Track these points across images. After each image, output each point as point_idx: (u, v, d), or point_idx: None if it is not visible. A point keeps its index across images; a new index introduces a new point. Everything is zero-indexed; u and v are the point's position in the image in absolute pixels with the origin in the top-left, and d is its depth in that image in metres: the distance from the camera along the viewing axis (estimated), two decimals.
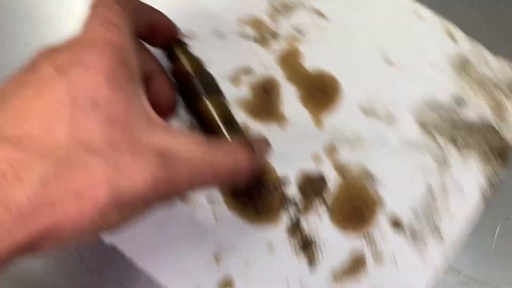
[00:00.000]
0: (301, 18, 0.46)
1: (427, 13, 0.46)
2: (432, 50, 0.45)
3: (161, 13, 0.38)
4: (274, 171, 0.42)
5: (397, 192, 0.41)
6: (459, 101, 0.43)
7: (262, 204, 0.41)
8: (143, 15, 0.35)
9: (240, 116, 0.43)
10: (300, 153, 0.42)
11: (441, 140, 0.42)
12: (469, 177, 0.41)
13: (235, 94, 0.43)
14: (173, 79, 0.41)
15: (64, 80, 0.26)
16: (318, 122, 0.43)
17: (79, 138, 0.25)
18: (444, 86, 0.44)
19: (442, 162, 0.42)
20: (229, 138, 0.38)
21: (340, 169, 0.42)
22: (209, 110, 0.39)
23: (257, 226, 0.41)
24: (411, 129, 0.43)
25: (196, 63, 0.41)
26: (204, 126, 0.40)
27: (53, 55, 0.27)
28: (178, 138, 0.28)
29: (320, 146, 0.42)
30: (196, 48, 0.44)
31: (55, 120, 0.25)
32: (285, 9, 0.47)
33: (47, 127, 0.25)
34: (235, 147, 0.32)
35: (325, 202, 0.41)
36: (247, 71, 0.44)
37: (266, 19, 0.46)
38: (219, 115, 0.39)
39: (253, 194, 0.41)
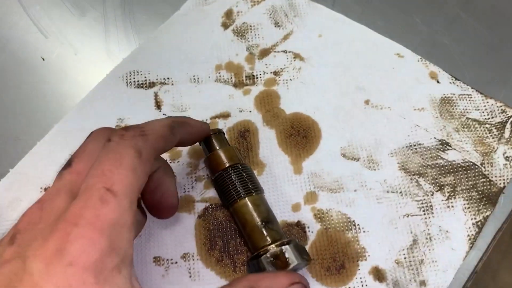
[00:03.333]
0: (278, 60, 0.46)
1: (408, 53, 0.46)
2: (414, 92, 0.45)
3: (191, 122, 0.37)
4: None
5: (380, 241, 0.40)
6: (444, 145, 0.42)
7: (239, 259, 0.39)
8: (171, 138, 0.33)
9: None
10: (278, 200, 0.41)
11: (426, 186, 0.41)
12: (456, 224, 0.40)
13: None
14: (207, 168, 0.42)
15: (49, 285, 0.25)
16: (297, 167, 0.42)
17: None
18: (428, 129, 0.43)
19: (428, 210, 0.40)
20: (268, 238, 0.37)
21: (320, 217, 0.40)
22: (248, 209, 0.38)
23: None
24: (394, 175, 0.42)
25: (232, 152, 0.41)
26: (241, 224, 0.39)
27: (41, 246, 0.26)
28: None
29: (300, 192, 0.41)
30: (177, 93, 0.45)
31: None
32: (262, 54, 0.47)
33: None
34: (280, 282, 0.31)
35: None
36: (224, 115, 0.44)
37: (243, 63, 0.46)
38: (258, 214, 0.38)
39: (230, 249, 0.40)
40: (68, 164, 0.30)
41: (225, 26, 0.48)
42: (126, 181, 0.28)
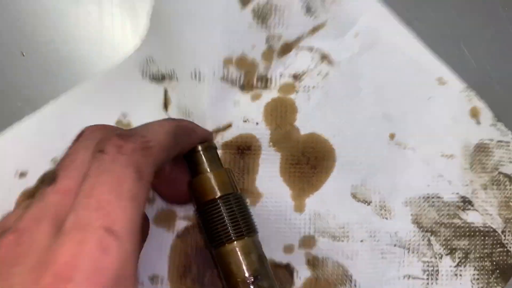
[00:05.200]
0: (300, 60, 0.39)
1: (452, 79, 0.40)
2: (447, 134, 0.39)
3: (196, 129, 0.34)
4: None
5: None
6: (466, 203, 0.38)
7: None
8: (174, 148, 0.29)
9: None
10: (270, 237, 0.36)
11: (436, 247, 0.37)
12: None
13: None
14: (190, 193, 0.35)
15: None
16: (299, 204, 0.37)
17: None
18: (452, 182, 0.38)
19: (433, 275, 0.37)
20: None
21: (314, 265, 0.37)
22: (236, 257, 0.32)
23: None
24: (407, 228, 0.38)
25: (225, 178, 0.34)
26: (224, 273, 0.33)
27: None
28: None
29: (296, 234, 0.37)
30: (181, 92, 0.38)
31: None
32: (284, 49, 0.39)
33: None
34: None
35: None
36: (225, 127, 0.38)
37: (258, 59, 0.39)
38: (248, 266, 0.32)
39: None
40: (52, 178, 0.25)
41: (244, 1, 0.39)
42: (128, 216, 0.23)
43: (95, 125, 0.28)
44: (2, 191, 0.37)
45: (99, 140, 0.25)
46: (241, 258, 0.32)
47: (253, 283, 0.32)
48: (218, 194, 0.33)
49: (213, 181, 0.33)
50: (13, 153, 0.37)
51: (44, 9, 0.41)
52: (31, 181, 0.37)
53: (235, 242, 0.32)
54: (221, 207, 0.33)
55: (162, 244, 0.36)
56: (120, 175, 0.24)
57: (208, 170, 0.34)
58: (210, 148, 0.35)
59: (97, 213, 0.22)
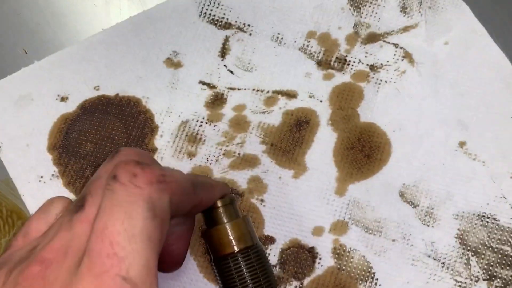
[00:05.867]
0: (383, 53, 0.39)
1: None
2: None
3: (213, 184, 0.32)
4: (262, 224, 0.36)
5: None
6: None
7: None
8: (193, 197, 0.28)
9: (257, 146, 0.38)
10: (302, 215, 0.36)
11: (475, 270, 0.35)
12: None
13: (264, 117, 0.38)
14: (206, 244, 0.34)
15: None
16: (341, 187, 0.36)
17: None
18: None
19: None
20: None
21: (339, 254, 0.35)
22: None
23: None
24: (447, 241, 0.35)
25: (242, 228, 0.32)
26: None
27: None
28: None
29: (330, 216, 0.36)
30: (251, 47, 0.39)
31: None
32: (369, 39, 0.39)
33: None
34: None
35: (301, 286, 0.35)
36: (289, 94, 0.38)
37: (341, 41, 0.39)
38: None
39: None
40: (81, 204, 0.24)
41: None
42: (143, 261, 0.22)
43: (131, 148, 0.27)
44: (41, 111, 0.38)
45: (117, 162, 0.24)
46: None
47: None
48: (236, 248, 0.31)
49: (230, 233, 0.32)
50: (57, 76, 0.39)
51: None
52: (71, 106, 0.38)
53: None
54: (240, 262, 0.31)
55: None
56: (132, 213, 0.22)
57: (225, 221, 0.32)
58: (231, 203, 0.33)
59: (111, 261, 0.21)
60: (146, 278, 0.21)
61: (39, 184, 0.37)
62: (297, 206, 0.36)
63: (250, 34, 0.40)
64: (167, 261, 0.30)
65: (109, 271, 0.21)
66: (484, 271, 0.35)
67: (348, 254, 0.35)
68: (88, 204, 0.23)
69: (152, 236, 0.22)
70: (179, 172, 0.27)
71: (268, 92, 0.38)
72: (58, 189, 0.37)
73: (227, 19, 0.40)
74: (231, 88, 0.39)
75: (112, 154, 0.26)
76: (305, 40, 0.40)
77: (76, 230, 0.23)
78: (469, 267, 0.35)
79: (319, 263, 0.35)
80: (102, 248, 0.21)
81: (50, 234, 0.24)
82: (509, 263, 0.35)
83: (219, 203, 0.32)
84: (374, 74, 0.39)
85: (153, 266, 0.22)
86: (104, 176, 0.24)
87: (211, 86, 0.39)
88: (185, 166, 0.37)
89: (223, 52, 0.40)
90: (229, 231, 0.31)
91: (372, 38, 0.40)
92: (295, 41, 0.40)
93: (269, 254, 0.35)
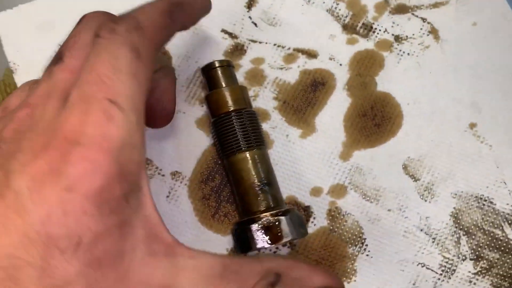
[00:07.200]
0: (410, 25, 0.40)
1: None
2: None
3: (196, 4, 0.33)
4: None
5: (375, 274, 0.36)
6: None
7: (225, 208, 0.37)
8: (171, 27, 0.29)
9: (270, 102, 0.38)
10: (303, 174, 0.37)
11: (463, 249, 0.36)
12: None
13: (281, 73, 0.39)
14: (206, 105, 0.37)
15: (39, 210, 0.21)
16: (346, 153, 0.37)
17: None
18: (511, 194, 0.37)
19: (447, 273, 0.35)
20: (262, 203, 0.33)
21: (333, 216, 0.37)
22: (246, 165, 0.34)
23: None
24: (441, 218, 0.36)
25: (239, 93, 0.36)
26: (235, 180, 0.35)
27: (31, 161, 0.22)
28: (182, 270, 0.24)
29: (330, 179, 0.37)
30: (279, 2, 0.40)
31: (23, 266, 0.21)
32: (398, 9, 0.40)
33: (11, 275, 0.21)
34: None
35: (292, 244, 0.36)
36: (310, 54, 0.39)
37: (370, 7, 0.40)
38: (256, 174, 0.34)
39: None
40: (59, 58, 0.26)
41: None
42: (130, 91, 0.24)
43: (94, 11, 0.28)
44: (61, 40, 0.39)
45: (96, 26, 0.26)
46: (250, 166, 0.34)
47: (260, 189, 0.34)
48: (232, 107, 0.35)
49: (227, 96, 0.35)
50: (81, 7, 0.36)
51: None
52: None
53: (246, 153, 0.35)
54: (234, 119, 0.35)
55: (196, 145, 0.38)
56: (116, 53, 0.24)
57: (224, 85, 0.36)
58: (228, 66, 0.37)
59: (99, 87, 0.23)
60: (133, 107, 0.24)
61: None
62: (299, 165, 0.37)
63: None
64: (157, 115, 0.33)
65: (96, 95, 0.23)
66: (472, 251, 0.36)
67: (342, 217, 0.37)
68: (66, 57, 0.26)
69: (137, 74, 0.24)
70: (152, 5, 0.28)
71: (289, 49, 0.39)
72: None
73: None
74: (252, 40, 0.39)
75: (78, 21, 0.28)
76: (334, 2, 0.40)
77: (56, 77, 0.25)
78: (458, 245, 0.36)
79: (312, 222, 0.37)
80: (89, 78, 0.23)
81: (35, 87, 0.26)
82: (497, 246, 0.36)
83: (216, 64, 0.36)
84: (398, 45, 0.39)
85: (139, 101, 0.24)
86: (79, 33, 0.26)
87: (232, 35, 0.39)
88: (196, 111, 0.38)
89: (250, 4, 0.40)
90: (227, 94, 0.35)
91: (402, 9, 0.40)
92: (324, 2, 0.40)
93: None
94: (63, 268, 0.21)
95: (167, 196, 0.37)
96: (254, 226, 0.32)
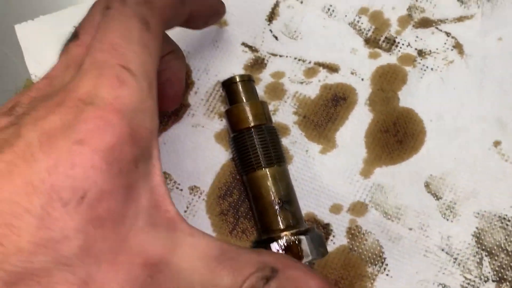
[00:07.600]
0: (433, 40, 0.39)
1: None
2: None
3: None
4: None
5: None
6: None
7: (243, 224, 0.37)
8: (180, 8, 0.30)
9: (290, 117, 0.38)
10: (322, 191, 0.37)
11: (486, 270, 0.35)
12: None
13: (301, 87, 0.38)
14: (226, 119, 0.36)
15: (47, 159, 0.21)
16: (368, 170, 0.37)
17: (48, 241, 0.21)
18: None
19: None
20: (282, 221, 0.33)
21: (353, 235, 0.36)
22: (266, 182, 0.34)
23: None
24: (463, 238, 0.36)
25: (260, 109, 0.36)
26: (254, 197, 0.35)
27: (44, 117, 0.22)
28: (180, 246, 0.24)
29: (350, 196, 0.37)
30: (300, 15, 0.39)
31: (21, 214, 0.20)
32: (421, 23, 0.39)
33: (8, 221, 0.20)
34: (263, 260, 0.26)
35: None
36: (331, 68, 0.39)
37: (393, 21, 0.39)
38: (276, 191, 0.34)
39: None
40: (75, 35, 0.27)
41: None
42: (141, 59, 0.24)
43: None
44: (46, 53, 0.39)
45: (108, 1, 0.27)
46: (270, 183, 0.34)
47: (281, 207, 0.33)
48: (252, 123, 0.35)
49: (247, 111, 0.35)
50: None
51: None
52: None
53: (266, 169, 0.34)
54: (254, 135, 0.35)
55: (214, 160, 0.37)
56: (127, 23, 0.25)
57: (244, 100, 0.36)
58: (249, 80, 0.36)
59: (111, 54, 0.24)
60: (144, 74, 0.24)
61: None
62: (319, 181, 0.37)
63: (302, 2, 0.40)
64: (168, 96, 0.34)
65: (109, 61, 0.23)
66: (495, 272, 0.35)
67: (362, 236, 0.36)
68: (81, 34, 0.27)
69: (148, 45, 0.25)
70: None
71: (310, 62, 0.39)
72: None
73: None
74: (273, 54, 0.39)
75: (91, 7, 0.28)
76: (356, 16, 0.39)
77: (73, 52, 0.26)
78: (480, 266, 0.35)
79: (331, 240, 0.36)
80: (102, 47, 0.24)
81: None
82: None
83: (237, 78, 0.36)
84: (421, 59, 0.39)
85: (151, 70, 0.25)
86: (93, 13, 0.27)
87: (253, 49, 0.39)
88: (215, 126, 0.38)
89: (271, 17, 0.40)
90: (246, 109, 0.35)
91: (425, 23, 0.39)
92: (346, 15, 0.39)
93: None
94: (63, 221, 0.21)
95: (185, 211, 0.37)
96: (274, 246, 0.32)
